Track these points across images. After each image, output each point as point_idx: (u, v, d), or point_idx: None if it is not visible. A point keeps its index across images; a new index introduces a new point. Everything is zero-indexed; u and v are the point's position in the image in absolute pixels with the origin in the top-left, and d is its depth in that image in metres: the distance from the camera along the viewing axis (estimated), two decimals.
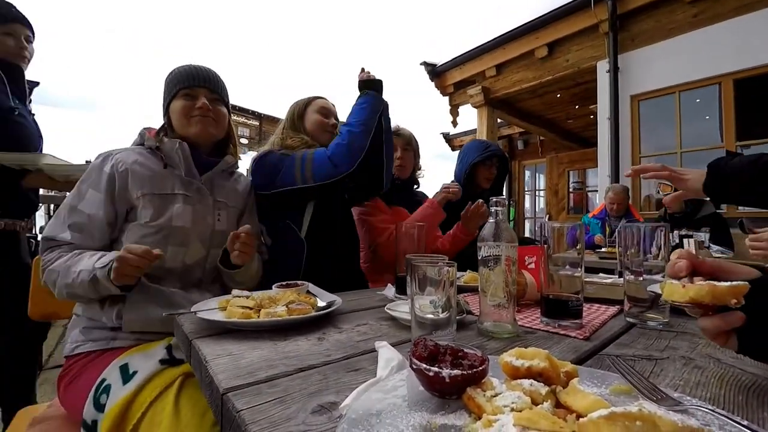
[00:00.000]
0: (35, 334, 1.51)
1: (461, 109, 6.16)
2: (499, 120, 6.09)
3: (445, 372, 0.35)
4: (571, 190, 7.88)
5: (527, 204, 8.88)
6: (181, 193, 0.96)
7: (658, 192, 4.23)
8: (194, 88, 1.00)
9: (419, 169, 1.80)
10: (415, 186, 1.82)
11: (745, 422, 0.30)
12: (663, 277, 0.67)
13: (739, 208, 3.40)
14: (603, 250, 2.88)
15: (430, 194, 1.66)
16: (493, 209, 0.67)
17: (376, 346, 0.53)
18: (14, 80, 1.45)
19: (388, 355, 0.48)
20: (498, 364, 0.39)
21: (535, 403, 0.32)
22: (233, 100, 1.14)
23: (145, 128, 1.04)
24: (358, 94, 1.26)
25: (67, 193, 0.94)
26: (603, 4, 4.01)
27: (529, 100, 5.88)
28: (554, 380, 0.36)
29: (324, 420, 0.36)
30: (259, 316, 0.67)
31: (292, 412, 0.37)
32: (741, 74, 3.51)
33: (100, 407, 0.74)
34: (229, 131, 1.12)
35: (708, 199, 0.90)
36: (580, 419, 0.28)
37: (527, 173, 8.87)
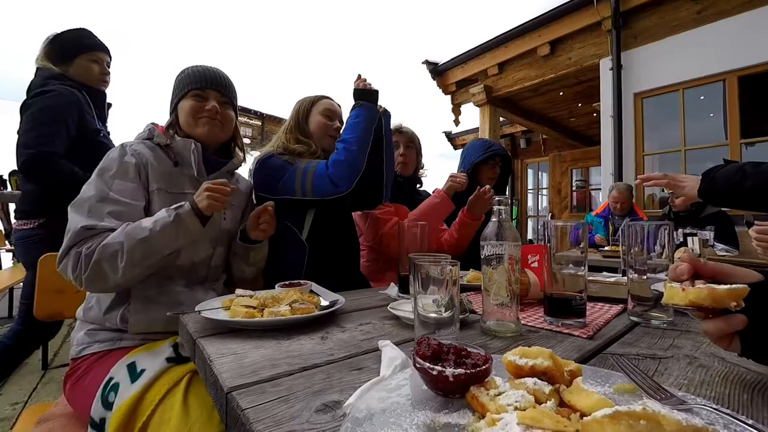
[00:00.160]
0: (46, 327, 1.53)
1: (463, 108, 6.14)
2: (501, 118, 6.05)
3: (449, 371, 0.35)
4: (574, 188, 7.84)
5: (530, 203, 8.86)
6: (191, 193, 0.96)
7: (663, 190, 4.20)
8: (205, 89, 1.01)
9: (422, 167, 1.79)
10: (418, 186, 1.82)
11: (750, 421, 0.30)
12: (667, 275, 0.66)
13: None
14: (606, 248, 2.87)
15: None
16: (496, 208, 0.67)
17: (379, 345, 0.53)
18: (98, 105, 1.62)
19: (391, 354, 0.48)
20: (501, 363, 0.39)
21: (538, 401, 0.32)
22: None
23: (152, 123, 1.04)
24: (353, 103, 1.24)
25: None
26: (605, 1, 3.98)
27: (531, 99, 5.85)
28: (558, 379, 0.36)
29: (328, 419, 0.36)
30: (262, 316, 0.68)
31: (296, 411, 0.37)
32: (746, 71, 3.47)
33: (108, 405, 0.75)
34: (235, 133, 1.13)
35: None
36: (584, 418, 0.28)
37: (530, 172, 8.84)
